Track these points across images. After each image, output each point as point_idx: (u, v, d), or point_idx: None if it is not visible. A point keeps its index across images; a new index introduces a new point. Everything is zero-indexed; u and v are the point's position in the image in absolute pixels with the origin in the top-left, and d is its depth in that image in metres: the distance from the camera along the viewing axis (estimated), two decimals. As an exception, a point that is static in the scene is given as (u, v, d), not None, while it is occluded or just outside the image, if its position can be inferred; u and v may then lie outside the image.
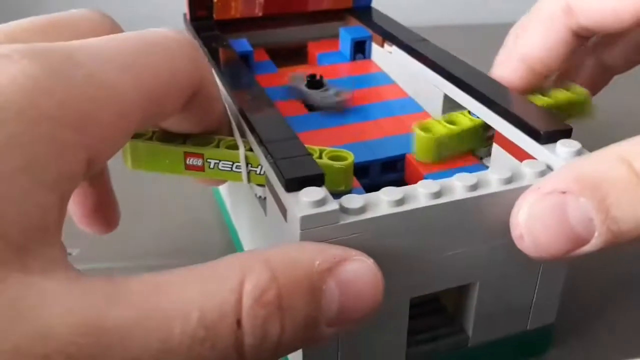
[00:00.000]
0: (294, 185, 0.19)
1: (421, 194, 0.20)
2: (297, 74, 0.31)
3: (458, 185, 0.20)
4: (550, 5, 0.26)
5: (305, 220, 0.18)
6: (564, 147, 0.21)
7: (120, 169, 0.19)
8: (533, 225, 0.19)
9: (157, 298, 0.15)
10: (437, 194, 0.20)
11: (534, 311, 0.24)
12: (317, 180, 0.19)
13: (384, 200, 0.19)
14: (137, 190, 0.27)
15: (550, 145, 0.21)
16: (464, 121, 0.26)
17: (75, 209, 0.26)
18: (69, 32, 0.20)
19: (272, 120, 0.23)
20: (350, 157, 0.22)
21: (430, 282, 0.21)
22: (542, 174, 0.21)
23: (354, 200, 0.19)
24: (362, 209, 0.19)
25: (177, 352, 0.15)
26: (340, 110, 0.30)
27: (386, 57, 0.33)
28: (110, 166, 0.30)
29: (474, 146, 0.26)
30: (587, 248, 0.18)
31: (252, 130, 0.22)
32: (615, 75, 0.30)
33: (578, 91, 0.27)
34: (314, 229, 0.18)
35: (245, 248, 0.30)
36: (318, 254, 0.17)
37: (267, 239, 0.24)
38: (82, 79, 0.16)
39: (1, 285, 0.14)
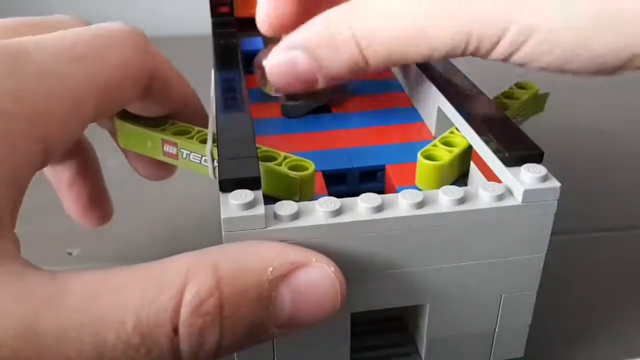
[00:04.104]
0: (227, 185, 0.19)
1: (360, 207, 0.19)
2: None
3: (402, 202, 0.19)
4: None
5: (229, 222, 0.18)
6: (528, 172, 0.20)
7: (123, 169, 0.20)
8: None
9: (95, 302, 0.15)
10: (378, 208, 0.19)
11: (496, 343, 0.23)
12: (253, 183, 0.19)
13: (320, 210, 0.19)
14: (138, 191, 0.28)
15: (516, 169, 0.20)
16: (462, 141, 0.24)
17: (70, 204, 0.27)
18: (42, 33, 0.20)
19: (236, 120, 0.23)
20: (311, 168, 0.22)
21: (371, 299, 0.21)
22: (500, 197, 0.19)
23: (286, 207, 0.19)
24: (294, 216, 0.19)
25: (111, 357, 0.15)
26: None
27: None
28: (112, 168, 0.31)
29: (469, 166, 0.24)
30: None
31: (217, 127, 0.22)
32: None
33: (531, 86, 0.27)
34: (239, 232, 0.18)
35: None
36: (274, 259, 0.17)
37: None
38: (33, 73, 0.17)
39: None
